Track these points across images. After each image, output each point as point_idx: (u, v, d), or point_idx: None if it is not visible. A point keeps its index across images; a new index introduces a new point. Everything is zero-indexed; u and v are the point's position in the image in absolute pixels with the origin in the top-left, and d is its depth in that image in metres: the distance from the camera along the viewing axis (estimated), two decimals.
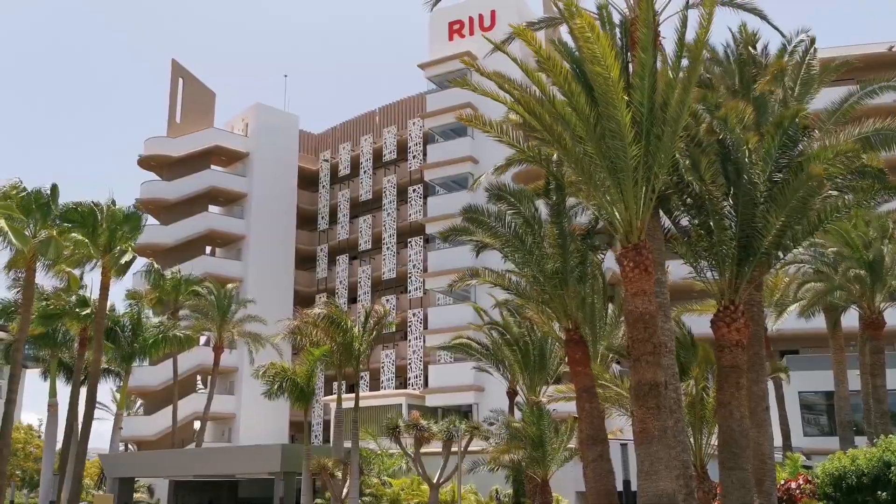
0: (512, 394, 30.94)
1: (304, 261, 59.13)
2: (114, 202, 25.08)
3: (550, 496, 25.12)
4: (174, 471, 37.75)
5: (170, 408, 51.77)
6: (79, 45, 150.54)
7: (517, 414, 30.55)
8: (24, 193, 22.08)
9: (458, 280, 20.95)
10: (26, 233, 21.36)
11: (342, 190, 58.28)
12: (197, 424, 54.27)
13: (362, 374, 44.97)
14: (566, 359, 16.70)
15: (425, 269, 51.18)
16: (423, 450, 30.54)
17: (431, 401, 43.91)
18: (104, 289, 24.93)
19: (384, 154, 55.74)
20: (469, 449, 30.14)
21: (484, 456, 29.87)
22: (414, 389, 48.30)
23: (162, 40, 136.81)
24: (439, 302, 49.14)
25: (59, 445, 37.74)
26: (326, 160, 59.66)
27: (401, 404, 43.26)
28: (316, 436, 55.38)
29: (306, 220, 59.53)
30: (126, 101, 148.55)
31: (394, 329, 36.30)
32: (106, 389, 60.06)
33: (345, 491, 31.71)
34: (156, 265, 28.19)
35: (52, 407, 37.38)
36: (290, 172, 58.47)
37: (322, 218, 59.11)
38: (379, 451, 35.63)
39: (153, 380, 51.30)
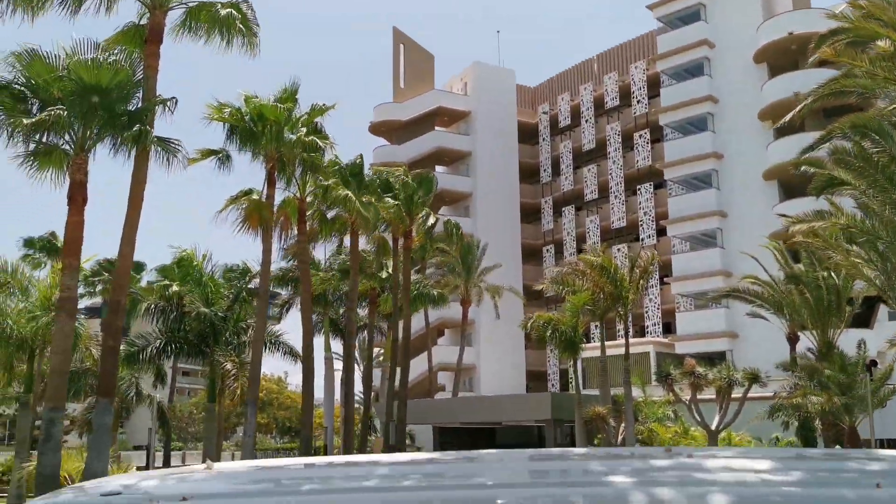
0: (793, 339, 29.85)
1: (529, 214, 59.86)
2: (406, 169, 26.65)
3: (860, 443, 24.14)
4: (443, 418, 40.01)
5: (414, 359, 55.07)
6: (310, 19, 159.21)
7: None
8: (338, 166, 24.11)
9: (797, 221, 20.14)
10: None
11: (563, 141, 58.15)
12: (440, 375, 57.22)
13: (597, 324, 45.20)
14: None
15: (657, 216, 50.30)
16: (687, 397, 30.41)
17: (680, 348, 43.37)
18: (406, 251, 26.66)
19: (606, 101, 54.86)
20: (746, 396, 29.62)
21: (755, 404, 29.29)
22: (653, 336, 47.98)
23: (382, 8, 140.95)
24: (675, 249, 48.10)
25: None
26: (545, 112, 59.66)
27: (648, 352, 43.11)
28: (552, 385, 56.57)
29: (528, 173, 60.08)
30: (353, 70, 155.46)
31: (655, 278, 35.84)
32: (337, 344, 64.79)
33: (619, 437, 32.35)
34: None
35: (328, 360, 40.87)
36: (510, 127, 59.07)
37: (544, 170, 59.42)
38: (641, 398, 35.74)
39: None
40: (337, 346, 43.70)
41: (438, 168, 59.92)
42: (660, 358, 43.53)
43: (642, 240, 51.60)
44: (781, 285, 28.36)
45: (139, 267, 37.47)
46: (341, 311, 42.15)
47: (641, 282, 32.74)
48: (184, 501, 1.87)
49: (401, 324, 28.62)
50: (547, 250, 58.34)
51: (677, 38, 45.97)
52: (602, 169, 54.90)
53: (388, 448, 26.84)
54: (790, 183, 41.56)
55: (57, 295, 16.15)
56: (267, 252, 20.70)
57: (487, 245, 47.18)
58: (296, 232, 25.45)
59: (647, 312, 49.80)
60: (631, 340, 47.81)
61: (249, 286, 28.68)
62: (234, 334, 27.40)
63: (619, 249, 51.26)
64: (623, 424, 31.89)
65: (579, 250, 56.30)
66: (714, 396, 31.11)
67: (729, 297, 30.41)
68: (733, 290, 29.44)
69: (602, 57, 56.72)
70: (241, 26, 16.10)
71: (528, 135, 60.42)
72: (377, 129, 60.00)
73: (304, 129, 20.29)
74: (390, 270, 30.77)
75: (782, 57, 42.05)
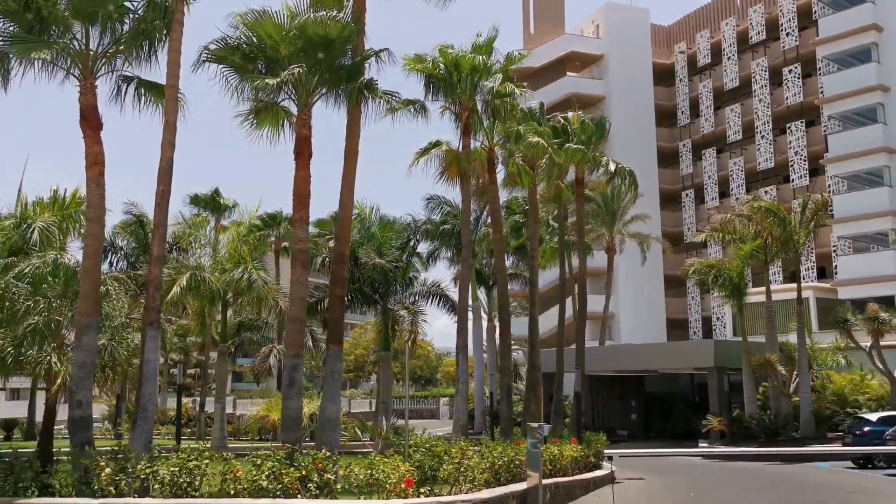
0: None
1: (666, 158, 58.06)
2: (579, 115, 26.27)
3: None
4: (593, 366, 39.73)
5: (552, 309, 54.95)
6: None
7: None
8: (523, 113, 23.94)
9: None
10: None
11: (703, 81, 55.79)
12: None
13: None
14: None
15: (809, 156, 47.92)
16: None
17: (843, 293, 41.48)
18: (580, 197, 26.37)
19: (750, 36, 52.11)
20: None
21: None
22: (807, 281, 45.95)
23: None
24: (831, 189, 45.58)
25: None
26: (682, 52, 57.29)
27: (808, 297, 41.33)
28: (694, 332, 55.38)
29: (665, 116, 58.16)
30: (482, 16, 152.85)
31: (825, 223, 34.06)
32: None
33: (792, 385, 31.33)
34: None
35: (475, 310, 41.31)
36: (645, 69, 57.06)
37: (682, 112, 57.32)
38: (806, 345, 34.39)
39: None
40: (481, 296, 44.05)
41: (571, 115, 58.71)
42: (820, 303, 41.76)
43: (793, 181, 49.31)
44: None
45: (291, 221, 38.64)
46: (484, 261, 42.35)
47: (812, 224, 31.34)
48: None
49: (573, 267, 28.39)
50: (686, 195, 56.62)
51: None
52: (746, 108, 52.46)
53: (576, 398, 26.81)
54: None
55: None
56: (466, 202, 20.88)
57: (636, 192, 46.05)
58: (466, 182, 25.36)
59: (801, 256, 47.66)
60: (787, 286, 46.23)
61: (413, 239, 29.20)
62: (402, 285, 28.01)
63: (766, 192, 49.13)
64: (795, 372, 30.87)
65: (721, 194, 54.45)
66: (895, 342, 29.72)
67: None
68: None
69: None
70: None
71: (663, 76, 58.30)
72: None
73: (500, 76, 20.21)
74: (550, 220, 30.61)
75: None
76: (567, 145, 24.34)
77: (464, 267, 21.12)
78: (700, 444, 32.27)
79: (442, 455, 11.98)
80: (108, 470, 11.07)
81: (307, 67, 14.13)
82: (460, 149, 20.31)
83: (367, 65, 15.61)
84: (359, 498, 10.87)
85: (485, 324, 43.10)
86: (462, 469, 11.86)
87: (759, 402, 31.98)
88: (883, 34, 41.49)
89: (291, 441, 14.15)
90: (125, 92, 14.60)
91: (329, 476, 10.96)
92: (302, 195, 14.73)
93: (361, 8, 15.69)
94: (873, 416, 24.69)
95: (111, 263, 29.70)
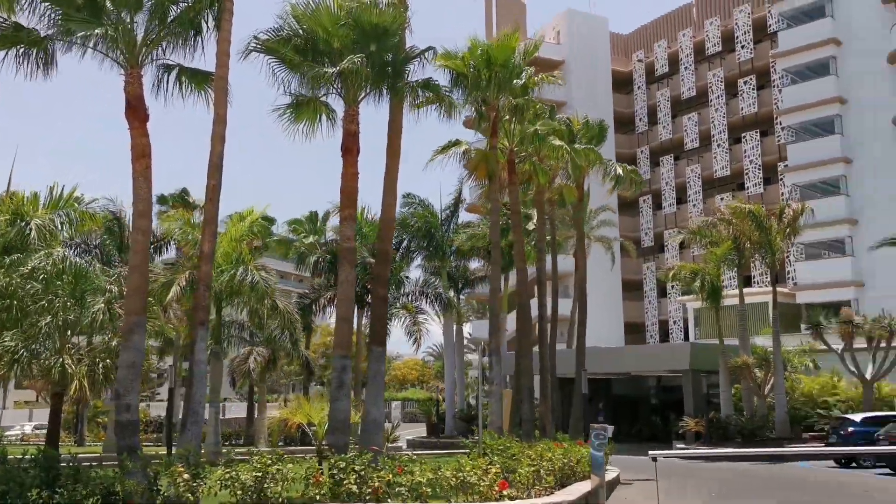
0: None
1: (624, 164, 59.06)
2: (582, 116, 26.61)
3: None
4: (563, 369, 40.05)
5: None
6: None
7: None
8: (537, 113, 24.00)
9: None
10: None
11: (661, 89, 57.07)
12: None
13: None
14: None
15: (763, 165, 49.65)
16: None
17: (801, 298, 42.92)
18: (579, 201, 26.54)
19: (706, 48, 53.61)
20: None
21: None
22: (761, 287, 47.43)
23: None
24: (784, 196, 47.21)
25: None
26: (640, 60, 58.51)
27: (766, 302, 42.65)
28: (651, 336, 56.47)
29: (623, 123, 59.22)
30: (443, 21, 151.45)
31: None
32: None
33: (766, 388, 32.23)
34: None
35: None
36: (604, 77, 58.07)
37: (640, 120, 58.51)
38: (770, 348, 35.38)
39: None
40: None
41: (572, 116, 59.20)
42: (781, 308, 43.06)
43: (748, 188, 50.86)
44: None
45: (270, 220, 37.83)
46: (453, 263, 42.16)
47: (789, 230, 32.33)
48: None
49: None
50: (643, 201, 57.71)
51: None
52: (703, 117, 53.90)
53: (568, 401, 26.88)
54: None
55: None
56: (496, 202, 20.74)
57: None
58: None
59: (753, 262, 49.14)
60: (747, 290, 47.43)
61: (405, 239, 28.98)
62: (395, 285, 27.69)
63: (721, 199, 50.58)
64: (770, 374, 31.76)
65: (678, 200, 55.74)
66: (865, 345, 30.86)
67: None
68: None
69: (702, 1, 55.26)
70: None
71: (622, 83, 59.40)
72: None
73: (532, 69, 20.19)
74: (534, 221, 30.86)
75: None
76: (575, 146, 24.57)
77: (494, 269, 21.05)
78: (676, 445, 32.82)
79: (520, 457, 11.84)
80: (186, 476, 10.55)
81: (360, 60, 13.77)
82: (487, 148, 20.21)
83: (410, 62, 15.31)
84: (449, 501, 10.65)
85: (454, 326, 42.99)
86: (540, 472, 11.75)
87: (733, 404, 32.82)
88: (841, 48, 43.18)
89: (340, 445, 13.77)
90: (167, 81, 13.99)
91: (420, 479, 10.69)
92: (350, 193, 14.38)
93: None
94: (857, 417, 25.62)
95: (87, 263, 28.48)
